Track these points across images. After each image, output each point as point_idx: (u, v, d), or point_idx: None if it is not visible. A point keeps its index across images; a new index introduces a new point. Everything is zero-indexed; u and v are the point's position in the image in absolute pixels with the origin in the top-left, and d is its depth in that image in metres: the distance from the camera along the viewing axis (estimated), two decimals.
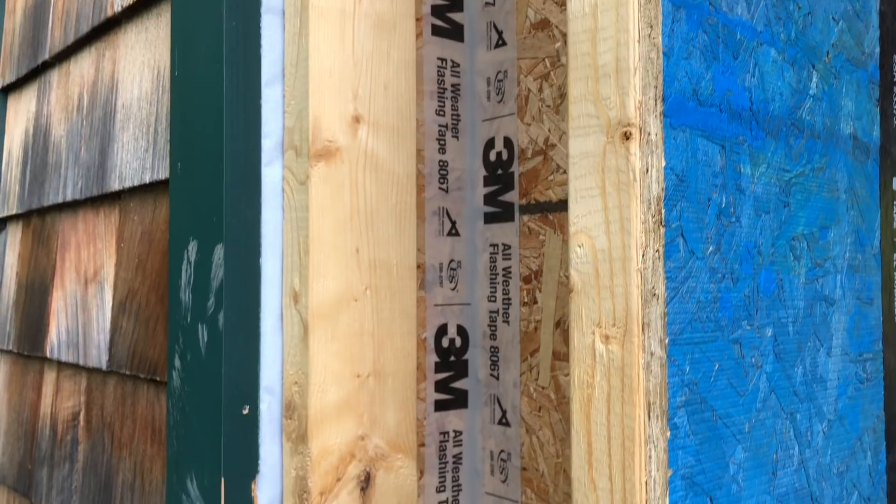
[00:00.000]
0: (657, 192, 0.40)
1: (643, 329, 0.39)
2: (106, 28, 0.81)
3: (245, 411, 0.60)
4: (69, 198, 0.87)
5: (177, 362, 0.65)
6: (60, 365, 0.90)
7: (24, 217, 1.02)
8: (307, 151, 0.60)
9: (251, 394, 0.61)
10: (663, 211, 0.40)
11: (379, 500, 0.63)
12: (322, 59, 0.61)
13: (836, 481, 0.50)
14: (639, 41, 0.40)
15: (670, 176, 0.40)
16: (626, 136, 0.40)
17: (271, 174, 0.62)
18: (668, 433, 0.39)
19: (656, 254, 0.40)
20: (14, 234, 1.05)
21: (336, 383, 0.61)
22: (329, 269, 0.61)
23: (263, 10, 0.62)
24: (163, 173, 0.69)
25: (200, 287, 0.62)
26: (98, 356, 0.80)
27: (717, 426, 0.41)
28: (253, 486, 0.60)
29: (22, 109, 1.04)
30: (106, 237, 0.81)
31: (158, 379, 0.70)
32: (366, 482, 0.62)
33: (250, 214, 0.61)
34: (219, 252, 0.60)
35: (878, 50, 0.56)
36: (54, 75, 0.94)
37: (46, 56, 0.94)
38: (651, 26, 0.41)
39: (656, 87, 0.41)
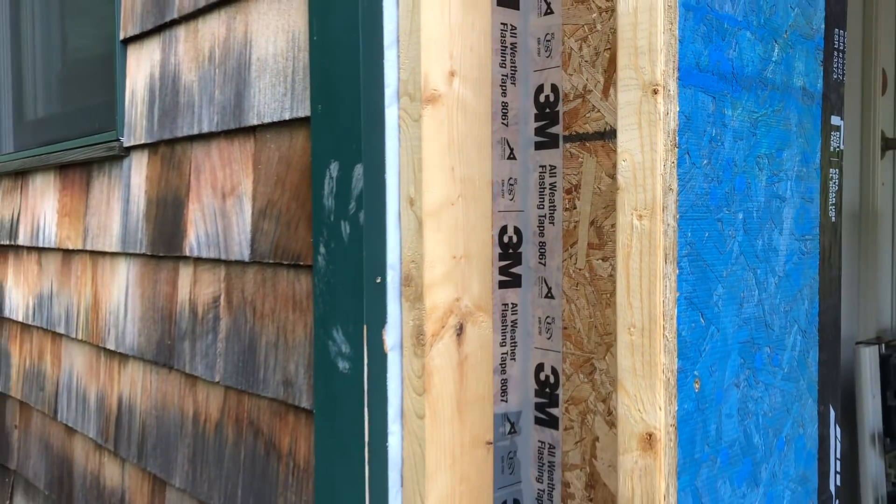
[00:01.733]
0: (673, 126, 0.66)
1: (663, 210, 0.65)
2: None
3: (377, 280, 0.86)
4: (205, 130, 1.11)
5: (321, 249, 0.90)
6: (198, 261, 1.15)
7: (150, 147, 1.27)
8: (420, 97, 0.84)
9: (381, 270, 0.87)
10: (677, 138, 0.65)
11: (468, 343, 0.90)
12: (430, 28, 0.85)
13: (782, 316, 0.76)
14: (663, 32, 0.65)
15: (681, 116, 0.66)
16: (655, 92, 0.65)
17: (391, 114, 0.87)
18: (677, 272, 0.65)
19: (672, 164, 0.65)
20: (140, 160, 1.29)
21: (441, 261, 0.87)
22: (435, 181, 0.86)
23: None
24: (302, 112, 0.94)
25: (342, 195, 0.87)
26: (240, 251, 1.06)
27: (706, 271, 0.67)
28: (383, 332, 0.87)
29: (145, 58, 1.27)
30: (242, 161, 1.05)
31: (302, 264, 0.96)
32: (460, 330, 0.89)
33: (377, 143, 0.86)
34: (358, 170, 0.85)
35: (823, 26, 0.81)
36: (181, 31, 1.17)
37: (175, 15, 1.17)
38: (671, 22, 0.65)
39: (674, 62, 0.66)
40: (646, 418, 0.65)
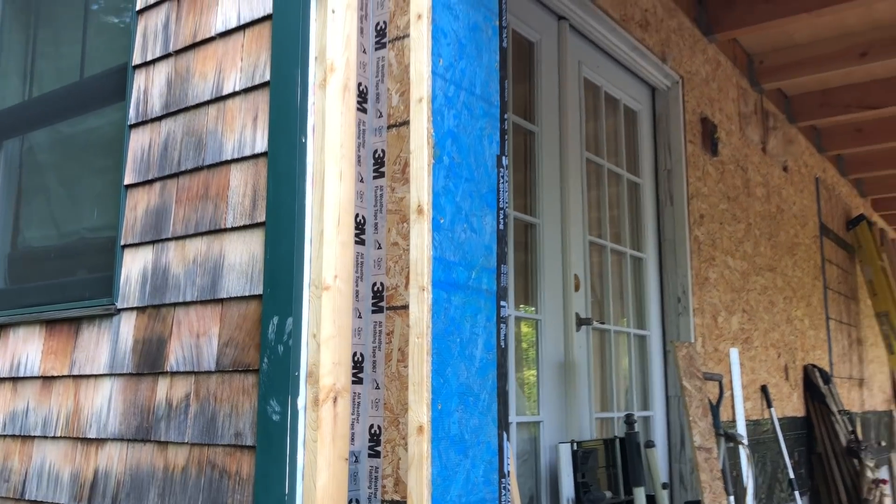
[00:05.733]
0: (429, 299, 1.68)
1: (428, 339, 1.66)
2: (218, 231, 1.99)
3: (296, 374, 1.78)
4: (188, 300, 2.00)
5: (265, 360, 1.81)
6: (174, 374, 2.00)
7: (139, 308, 2.12)
8: (321, 286, 1.81)
9: (297, 368, 1.78)
10: (432, 303, 1.68)
11: (338, 407, 1.82)
12: (327, 257, 1.83)
13: (479, 383, 1.77)
14: (428, 265, 1.68)
15: (433, 295, 1.68)
16: (423, 289, 1.68)
17: (306, 293, 1.83)
18: (432, 366, 1.65)
19: (429, 313, 1.67)
20: (129, 316, 2.14)
21: (327, 365, 1.80)
22: (326, 325, 1.81)
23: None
24: (257, 291, 1.87)
25: (279, 332, 1.80)
26: (208, 365, 1.93)
27: (445, 364, 1.68)
28: (297, 400, 1.77)
29: (139, 257, 2.15)
30: (213, 316, 1.95)
31: (251, 369, 1.85)
32: (335, 400, 1.81)
33: (300, 307, 1.81)
34: (290, 321, 1.79)
35: (495, 262, 1.89)
36: (172, 244, 2.08)
37: (169, 235, 2.08)
38: (429, 261, 1.69)
39: (429, 275, 1.69)
40: (419, 418, 1.62)
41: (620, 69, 3.81)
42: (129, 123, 2.25)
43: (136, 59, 2.27)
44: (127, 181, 2.21)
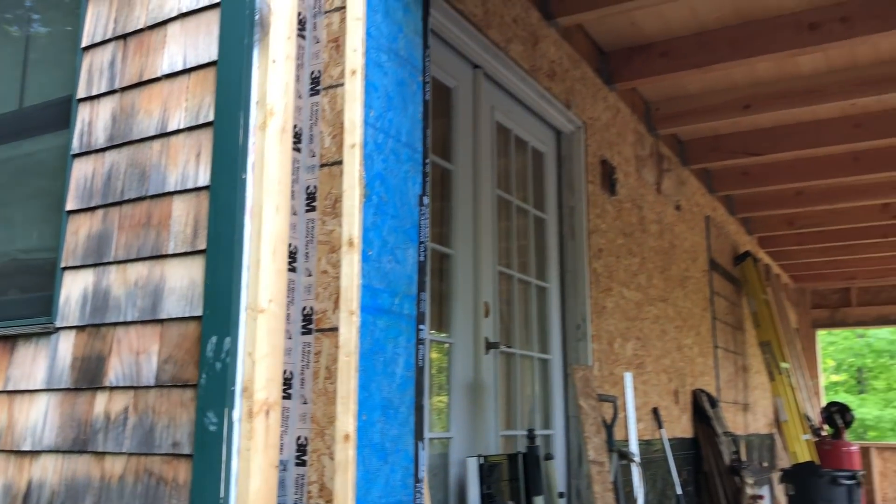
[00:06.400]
0: (357, 322, 1.90)
1: (357, 353, 1.88)
2: (160, 257, 2.15)
3: (232, 388, 1.96)
4: (128, 320, 2.15)
5: (203, 376, 1.98)
6: (114, 389, 2.14)
7: (78, 327, 2.25)
8: (256, 309, 2.00)
9: (234, 383, 1.96)
10: (360, 325, 1.89)
11: (270, 419, 2.00)
12: (260, 298, 2.03)
13: (399, 398, 1.99)
14: (357, 292, 1.91)
15: (361, 317, 1.90)
16: (352, 313, 1.90)
17: (243, 316, 2.01)
18: (358, 381, 1.86)
19: (357, 329, 1.89)
20: (68, 334, 2.26)
21: (261, 381, 1.98)
22: (261, 346, 2.00)
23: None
24: (197, 312, 2.05)
25: (218, 350, 1.98)
26: (147, 380, 2.08)
27: (370, 380, 1.89)
28: (233, 412, 1.95)
29: (80, 279, 2.28)
30: (153, 336, 2.11)
31: (189, 384, 2.02)
32: (267, 413, 1.99)
33: (236, 328, 1.99)
34: (228, 340, 1.97)
35: (416, 290, 2.12)
36: (113, 268, 2.23)
37: (111, 259, 2.23)
38: (358, 289, 1.92)
39: (358, 300, 1.91)
40: (346, 427, 1.83)
41: (529, 114, 4.14)
42: (72, 153, 2.38)
43: (81, 93, 2.41)
44: (69, 207, 2.35)
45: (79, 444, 2.16)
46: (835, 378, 20.79)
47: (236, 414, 1.96)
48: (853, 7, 4.20)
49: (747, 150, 6.10)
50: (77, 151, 2.38)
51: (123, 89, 2.33)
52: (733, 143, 6.16)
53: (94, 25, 2.45)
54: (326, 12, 2.33)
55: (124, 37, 2.38)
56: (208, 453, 1.95)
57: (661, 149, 5.78)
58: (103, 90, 2.36)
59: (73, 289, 2.29)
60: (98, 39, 2.42)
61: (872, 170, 6.29)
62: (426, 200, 2.22)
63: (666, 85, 5.24)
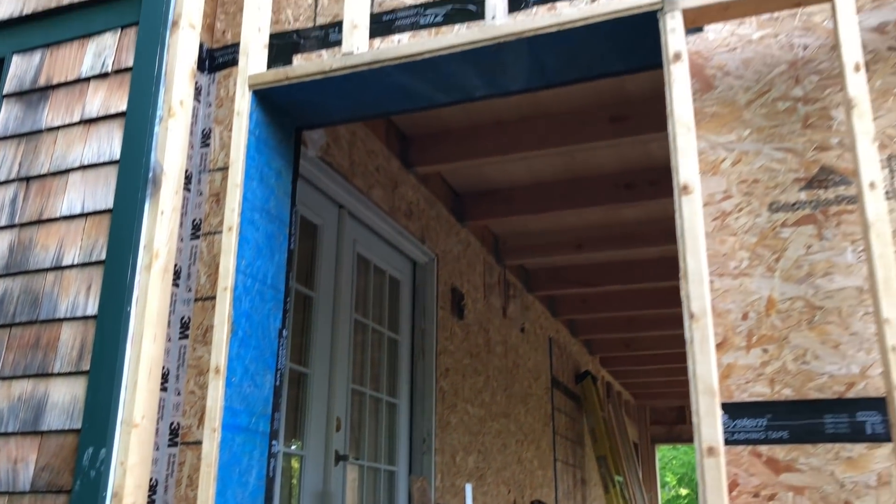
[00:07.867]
0: (219, 437, 2.28)
1: (222, 430, 2.24)
2: (45, 375, 2.45)
3: (104, 494, 2.26)
4: (9, 431, 2.42)
5: (78, 483, 2.27)
6: None
7: None
8: (131, 424, 2.33)
9: (106, 490, 2.26)
10: (221, 430, 2.27)
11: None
12: (137, 405, 2.37)
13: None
14: (220, 399, 2.29)
15: (222, 433, 2.28)
16: (213, 430, 2.27)
17: (117, 429, 2.34)
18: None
19: (218, 438, 2.26)
20: None
21: (130, 487, 2.29)
22: (133, 456, 2.32)
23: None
24: (77, 426, 2.35)
25: (93, 460, 2.28)
26: (23, 486, 2.35)
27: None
28: None
29: None
30: (32, 446, 2.39)
31: (64, 490, 2.30)
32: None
33: (112, 441, 2.31)
34: (103, 450, 2.29)
35: (270, 408, 2.51)
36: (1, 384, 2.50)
37: None
38: (222, 391, 2.30)
39: (220, 417, 2.29)
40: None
41: (388, 246, 4.68)
42: None
43: None
44: None
45: None
46: (683, 491, 21.90)
47: None
48: (661, 172, 5.06)
49: (583, 282, 6.88)
50: None
51: (23, 224, 2.67)
52: (571, 274, 6.94)
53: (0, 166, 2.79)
54: (211, 170, 2.79)
55: (27, 179, 2.73)
56: None
57: (508, 277, 6.46)
58: (3, 224, 2.69)
59: None
60: (2, 179, 2.76)
61: None
62: (285, 333, 2.65)
63: (512, 223, 5.95)
